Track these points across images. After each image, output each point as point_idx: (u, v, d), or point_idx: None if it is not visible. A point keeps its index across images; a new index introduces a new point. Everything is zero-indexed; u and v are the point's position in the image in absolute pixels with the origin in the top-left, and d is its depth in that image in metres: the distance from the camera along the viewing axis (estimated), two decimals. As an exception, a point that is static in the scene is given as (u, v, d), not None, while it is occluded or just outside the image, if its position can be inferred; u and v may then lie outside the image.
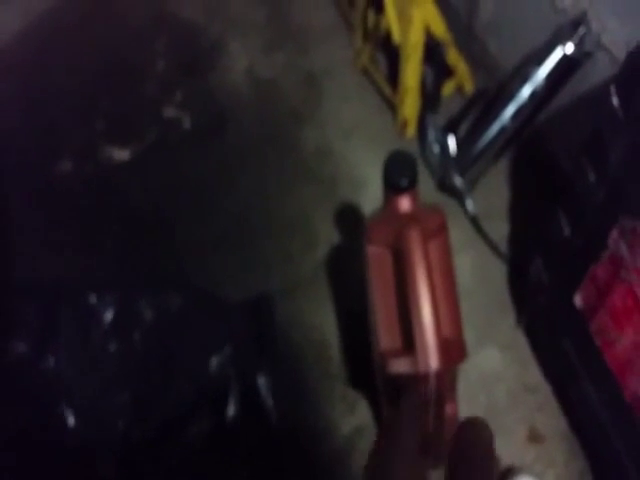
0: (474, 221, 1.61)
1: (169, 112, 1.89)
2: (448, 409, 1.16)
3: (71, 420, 1.28)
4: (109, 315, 1.37)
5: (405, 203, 1.06)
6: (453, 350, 1.02)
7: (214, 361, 1.36)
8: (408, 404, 0.43)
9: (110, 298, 1.37)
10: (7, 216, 1.32)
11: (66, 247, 1.61)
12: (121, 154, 1.81)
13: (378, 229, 1.09)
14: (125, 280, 1.50)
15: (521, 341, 1.46)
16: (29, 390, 1.29)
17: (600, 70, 1.34)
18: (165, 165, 1.78)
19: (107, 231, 1.66)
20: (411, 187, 1.05)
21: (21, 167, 1.67)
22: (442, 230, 1.08)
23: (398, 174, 1.04)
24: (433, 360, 0.96)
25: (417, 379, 0.99)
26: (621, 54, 1.26)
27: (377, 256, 1.07)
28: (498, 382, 1.42)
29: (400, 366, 0.99)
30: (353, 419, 1.40)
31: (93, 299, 1.37)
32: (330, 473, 1.35)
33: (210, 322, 1.42)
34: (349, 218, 1.64)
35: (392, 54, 1.80)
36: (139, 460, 1.29)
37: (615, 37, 1.30)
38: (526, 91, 1.44)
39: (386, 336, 1.04)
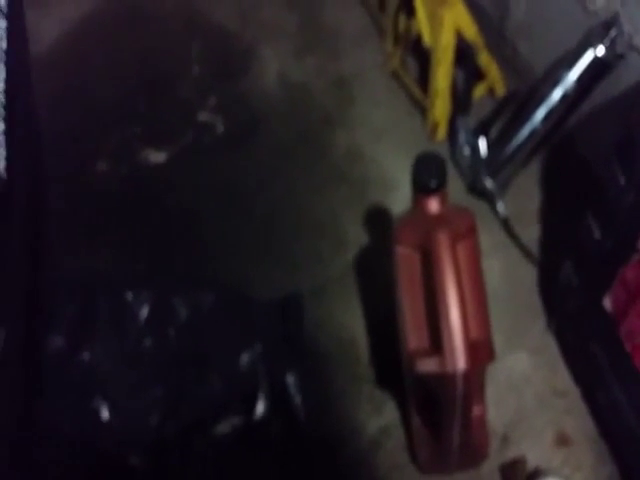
0: (505, 224, 1.61)
1: (203, 116, 1.93)
2: (476, 410, 1.17)
3: (105, 413, 1.32)
4: (144, 312, 1.41)
5: (434, 204, 1.07)
6: (481, 351, 1.02)
7: (244, 358, 1.38)
8: None
9: (145, 295, 1.41)
10: (45, 214, 1.37)
11: (103, 245, 1.65)
12: (157, 156, 1.85)
13: (407, 230, 1.10)
14: (159, 278, 1.53)
15: (551, 345, 1.45)
16: (64, 383, 1.33)
17: (632, 72, 1.33)
18: (199, 167, 1.81)
19: (142, 231, 1.69)
20: (440, 188, 1.06)
21: (59, 167, 1.70)
22: (471, 232, 1.09)
23: (427, 175, 1.05)
24: (461, 360, 0.97)
25: (445, 379, 1.00)
26: (654, 56, 1.26)
27: (405, 257, 1.08)
28: (527, 385, 1.41)
29: (428, 366, 1.00)
30: (380, 419, 1.40)
31: (129, 296, 1.41)
32: (357, 472, 1.36)
33: (241, 320, 1.44)
34: (379, 220, 1.65)
35: (422, 57, 1.81)
36: (170, 454, 1.32)
37: (648, 39, 1.29)
38: (557, 94, 1.43)
39: (414, 336, 1.05)
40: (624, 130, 1.09)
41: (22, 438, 1.04)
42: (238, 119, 1.90)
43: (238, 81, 1.99)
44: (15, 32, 1.09)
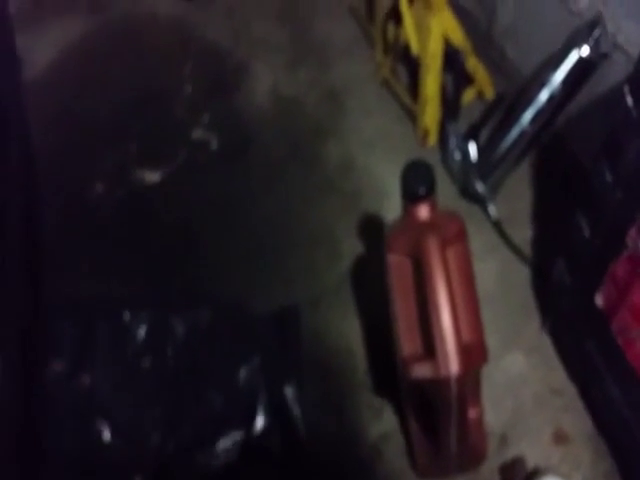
0: (497, 226, 1.61)
1: (197, 134, 1.94)
2: (472, 413, 1.17)
3: (107, 435, 1.33)
4: (142, 332, 1.41)
5: (423, 211, 1.08)
6: (474, 354, 1.03)
7: (243, 373, 1.39)
8: None
9: (143, 315, 1.42)
10: (41, 237, 1.38)
11: (100, 267, 1.66)
12: (152, 176, 1.86)
13: (398, 238, 1.11)
14: (157, 297, 1.54)
15: (546, 344, 1.45)
16: (66, 407, 1.33)
17: (617, 71, 1.33)
18: (194, 185, 1.83)
19: (139, 251, 1.70)
20: (428, 195, 1.07)
21: (55, 190, 1.72)
22: (461, 236, 1.10)
23: (415, 183, 1.06)
24: (454, 365, 0.98)
25: (439, 384, 1.00)
26: (637, 54, 1.26)
27: (397, 264, 1.09)
28: (524, 385, 1.42)
29: (422, 371, 1.01)
30: (380, 426, 1.41)
31: (127, 317, 1.42)
32: (358, 479, 1.36)
33: (238, 335, 1.44)
34: (373, 229, 1.66)
35: (413, 65, 1.82)
36: (173, 472, 1.32)
37: (631, 37, 1.30)
38: (544, 95, 1.45)
39: (407, 342, 1.06)
40: (609, 127, 1.10)
41: (24, 464, 1.04)
42: (231, 135, 1.92)
43: (231, 97, 2.01)
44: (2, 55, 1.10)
